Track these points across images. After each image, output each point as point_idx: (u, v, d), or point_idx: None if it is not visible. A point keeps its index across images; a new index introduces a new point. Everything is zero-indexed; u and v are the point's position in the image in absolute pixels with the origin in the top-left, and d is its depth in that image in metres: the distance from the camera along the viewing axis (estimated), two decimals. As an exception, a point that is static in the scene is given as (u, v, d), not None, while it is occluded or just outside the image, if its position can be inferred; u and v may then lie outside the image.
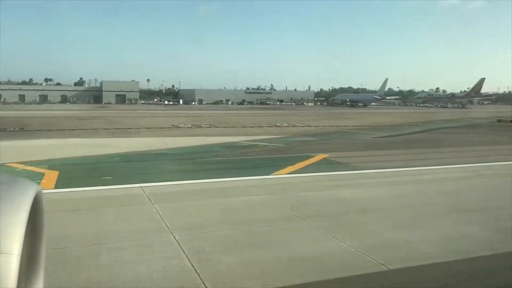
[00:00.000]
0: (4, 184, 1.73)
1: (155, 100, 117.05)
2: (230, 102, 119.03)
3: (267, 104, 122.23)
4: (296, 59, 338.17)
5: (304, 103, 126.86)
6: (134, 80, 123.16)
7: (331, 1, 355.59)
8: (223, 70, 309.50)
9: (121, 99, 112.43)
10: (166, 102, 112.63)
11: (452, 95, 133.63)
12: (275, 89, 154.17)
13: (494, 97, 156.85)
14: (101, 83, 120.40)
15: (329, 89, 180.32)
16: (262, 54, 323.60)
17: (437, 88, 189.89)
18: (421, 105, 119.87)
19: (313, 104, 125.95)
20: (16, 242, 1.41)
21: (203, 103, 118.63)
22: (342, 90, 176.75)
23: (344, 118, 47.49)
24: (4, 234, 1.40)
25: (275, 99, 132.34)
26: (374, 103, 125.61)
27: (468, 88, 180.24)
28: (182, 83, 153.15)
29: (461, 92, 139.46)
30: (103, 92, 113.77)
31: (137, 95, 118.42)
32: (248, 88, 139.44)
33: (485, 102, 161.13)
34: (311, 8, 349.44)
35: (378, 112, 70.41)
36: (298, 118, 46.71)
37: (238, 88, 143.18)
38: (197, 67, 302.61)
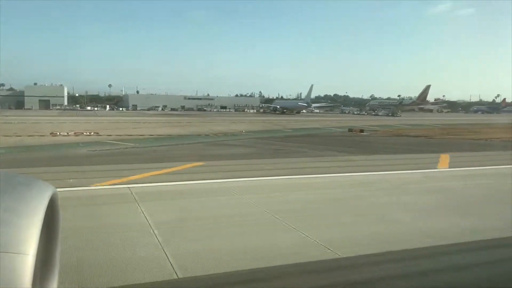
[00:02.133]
0: (21, 186, 1.73)
1: (76, 106, 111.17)
2: (160, 108, 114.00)
3: (204, 110, 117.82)
4: (287, 66, 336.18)
5: (246, 110, 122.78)
6: (61, 85, 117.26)
7: (320, 10, 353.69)
8: (214, 76, 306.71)
9: (45, 104, 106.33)
10: (89, 108, 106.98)
11: (400, 103, 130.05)
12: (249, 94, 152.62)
13: (445, 104, 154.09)
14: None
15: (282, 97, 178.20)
16: (252, 61, 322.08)
17: (399, 95, 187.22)
18: (356, 112, 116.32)
19: (255, 111, 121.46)
20: (31, 243, 1.41)
21: (138, 108, 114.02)
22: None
23: (191, 126, 42.65)
24: (20, 235, 1.41)
25: (216, 106, 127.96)
26: (317, 110, 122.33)
27: (443, 96, 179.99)
28: (173, 89, 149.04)
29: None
30: (25, 97, 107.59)
31: (63, 100, 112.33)
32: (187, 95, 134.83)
33: (445, 110, 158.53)
34: (301, 15, 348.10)
35: (275, 119, 65.54)
36: (142, 125, 42.21)
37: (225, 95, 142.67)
38: (189, 73, 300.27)
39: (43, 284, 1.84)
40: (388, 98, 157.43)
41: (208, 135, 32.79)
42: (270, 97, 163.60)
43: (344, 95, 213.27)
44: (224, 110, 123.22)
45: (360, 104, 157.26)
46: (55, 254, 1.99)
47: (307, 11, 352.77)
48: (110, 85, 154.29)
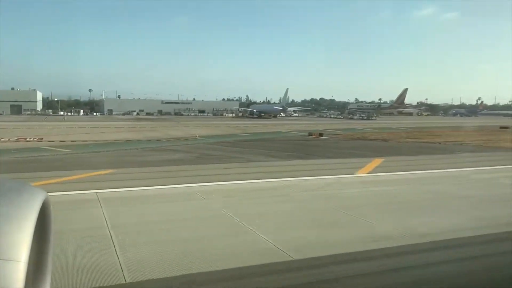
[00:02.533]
0: (12, 191, 1.73)
1: (49, 111, 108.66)
2: (135, 113, 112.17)
3: (181, 114, 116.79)
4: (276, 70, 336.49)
5: (224, 114, 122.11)
6: (34, 90, 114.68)
7: (307, 15, 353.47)
8: (202, 80, 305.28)
9: (17, 109, 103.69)
10: (61, 113, 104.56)
11: (378, 106, 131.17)
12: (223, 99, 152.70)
13: (423, 107, 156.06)
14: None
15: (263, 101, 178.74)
16: (241, 66, 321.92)
17: (380, 99, 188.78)
18: (332, 116, 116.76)
19: (233, 115, 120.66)
20: (23, 249, 1.40)
21: (113, 113, 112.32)
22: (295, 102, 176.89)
23: (149, 131, 41.67)
24: (11, 241, 1.40)
25: (195, 110, 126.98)
26: (295, 114, 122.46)
27: (426, 99, 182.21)
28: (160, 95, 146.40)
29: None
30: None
31: (35, 105, 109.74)
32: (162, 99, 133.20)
33: (425, 113, 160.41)
34: (288, 20, 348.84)
35: (245, 123, 64.79)
36: (98, 130, 40.92)
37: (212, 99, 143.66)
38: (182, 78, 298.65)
39: None
40: (372, 102, 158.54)
41: (159, 140, 31.87)
42: (258, 102, 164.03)
43: (330, 99, 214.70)
44: (202, 114, 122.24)
45: (344, 108, 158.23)
46: (47, 260, 1.94)
47: (294, 17, 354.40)
48: (90, 90, 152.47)
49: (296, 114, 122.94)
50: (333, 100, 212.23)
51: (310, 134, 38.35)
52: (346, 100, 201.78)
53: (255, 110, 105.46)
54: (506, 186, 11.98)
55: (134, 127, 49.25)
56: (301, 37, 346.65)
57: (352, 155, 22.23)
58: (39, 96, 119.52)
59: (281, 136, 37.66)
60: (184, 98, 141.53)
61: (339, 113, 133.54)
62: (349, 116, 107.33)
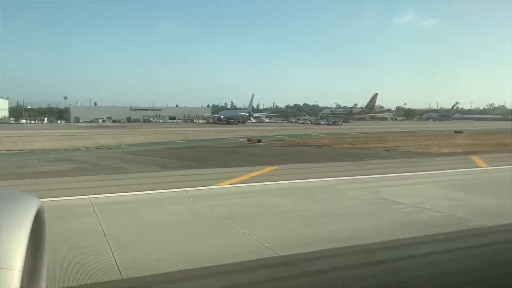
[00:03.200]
0: (6, 199, 1.72)
1: (11, 119, 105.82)
2: (101, 120, 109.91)
3: (149, 121, 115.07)
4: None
5: (194, 120, 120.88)
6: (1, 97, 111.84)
7: (294, 23, 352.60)
8: (186, 87, 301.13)
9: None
10: (23, 121, 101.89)
11: (350, 111, 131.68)
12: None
13: (395, 111, 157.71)
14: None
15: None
16: (226, 72, 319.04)
17: (355, 104, 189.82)
18: (301, 121, 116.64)
19: (204, 121, 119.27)
20: (18, 258, 1.40)
21: (80, 120, 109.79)
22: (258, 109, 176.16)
23: (84, 139, 40.17)
24: (6, 249, 1.39)
25: (165, 116, 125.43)
26: (267, 120, 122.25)
27: (405, 104, 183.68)
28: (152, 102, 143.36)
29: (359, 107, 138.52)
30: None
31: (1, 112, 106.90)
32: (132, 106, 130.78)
33: (399, 118, 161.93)
34: (274, 28, 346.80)
35: (198, 130, 63.70)
36: (31, 139, 39.37)
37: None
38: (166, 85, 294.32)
39: None
40: (353, 107, 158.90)
41: (78, 149, 30.53)
42: (243, 107, 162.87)
43: (313, 104, 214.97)
44: (172, 121, 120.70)
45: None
46: (42, 268, 1.92)
47: (280, 24, 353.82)
48: (65, 97, 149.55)
49: (268, 120, 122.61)
50: (316, 105, 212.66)
51: (248, 140, 37.45)
52: (329, 106, 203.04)
53: (222, 116, 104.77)
54: (348, 199, 11.01)
55: (76, 134, 47.78)
56: (285, 43, 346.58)
57: (255, 162, 21.22)
58: (4, 104, 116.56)
59: (217, 143, 36.60)
60: (165, 105, 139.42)
61: (315, 118, 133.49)
62: (317, 122, 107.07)
